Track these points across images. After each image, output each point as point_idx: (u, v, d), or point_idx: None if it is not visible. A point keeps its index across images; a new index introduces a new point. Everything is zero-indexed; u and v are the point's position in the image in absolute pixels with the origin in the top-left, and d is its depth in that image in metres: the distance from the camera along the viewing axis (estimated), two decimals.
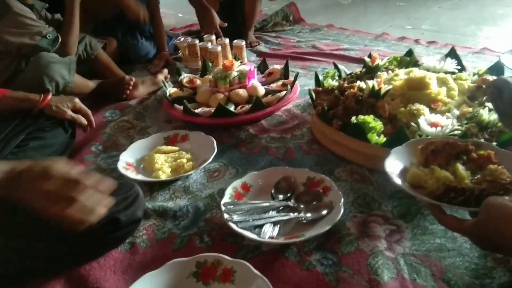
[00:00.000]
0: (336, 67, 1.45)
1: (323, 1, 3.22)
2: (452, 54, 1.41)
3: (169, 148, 1.17)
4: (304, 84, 1.58)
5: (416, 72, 1.20)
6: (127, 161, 1.12)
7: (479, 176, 0.78)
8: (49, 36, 1.36)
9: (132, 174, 1.07)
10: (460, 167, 0.80)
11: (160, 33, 2.00)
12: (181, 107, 1.36)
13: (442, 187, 0.74)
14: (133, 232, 0.88)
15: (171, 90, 1.51)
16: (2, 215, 0.74)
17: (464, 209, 0.70)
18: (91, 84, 1.54)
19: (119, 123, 1.39)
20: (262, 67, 1.67)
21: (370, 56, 1.43)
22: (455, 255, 0.77)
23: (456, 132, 0.98)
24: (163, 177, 1.05)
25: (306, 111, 1.39)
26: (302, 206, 0.89)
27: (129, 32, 1.95)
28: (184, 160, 1.11)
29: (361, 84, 1.23)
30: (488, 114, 1.02)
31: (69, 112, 1.19)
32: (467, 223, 0.66)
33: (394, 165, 0.82)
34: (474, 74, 1.29)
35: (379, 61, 1.38)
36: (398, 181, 0.77)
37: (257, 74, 1.59)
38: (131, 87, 1.57)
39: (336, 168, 1.07)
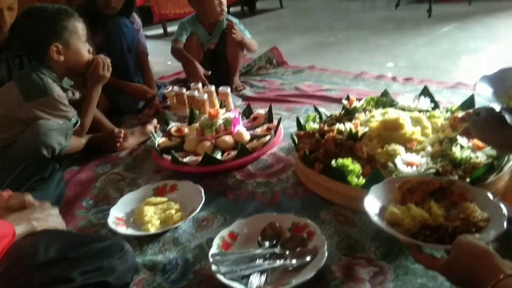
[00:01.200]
0: (316, 110, 1.52)
1: (305, 43, 3.36)
2: (425, 92, 1.48)
3: (158, 199, 1.20)
4: (288, 127, 1.63)
5: (390, 114, 1.26)
6: (117, 216, 1.15)
7: (452, 213, 0.82)
8: (73, 120, 1.49)
9: (122, 228, 1.09)
10: (435, 205, 0.84)
11: (150, 84, 2.08)
12: (169, 157, 1.40)
13: (418, 225, 0.78)
14: None
15: (159, 140, 1.55)
16: None
17: (439, 247, 0.74)
18: (83, 141, 1.59)
19: (109, 176, 1.43)
20: (247, 112, 1.73)
21: (348, 98, 1.51)
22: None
23: (430, 170, 1.03)
24: (152, 230, 1.08)
25: (291, 153, 1.44)
26: (287, 252, 0.92)
27: None
28: (173, 211, 1.14)
29: (340, 126, 1.29)
30: (460, 151, 1.08)
31: None
32: (441, 261, 0.69)
33: (373, 204, 0.86)
34: (447, 111, 1.36)
35: (356, 103, 1.45)
36: (376, 219, 0.81)
37: (242, 120, 1.65)
38: (121, 140, 1.61)
39: (320, 210, 1.10)
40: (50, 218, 0.95)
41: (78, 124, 1.53)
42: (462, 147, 1.10)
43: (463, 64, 2.27)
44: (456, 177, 1.00)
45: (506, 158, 1.06)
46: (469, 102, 1.39)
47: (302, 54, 2.93)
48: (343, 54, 2.84)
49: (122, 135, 1.62)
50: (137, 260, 0.97)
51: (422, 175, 0.97)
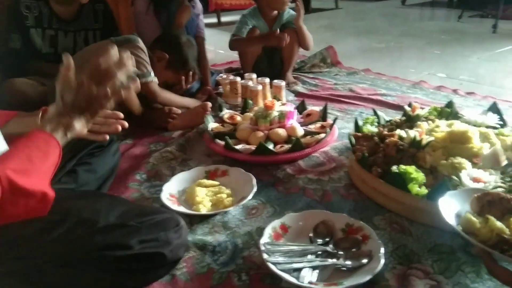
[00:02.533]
0: (375, 113, 1.48)
1: (360, 45, 3.29)
2: (494, 108, 1.41)
3: (210, 182, 1.21)
4: (341, 127, 1.60)
5: (457, 125, 1.20)
6: (170, 192, 1.16)
7: None
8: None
9: (174, 205, 1.11)
10: None
11: (205, 68, 2.09)
12: (222, 142, 1.41)
13: (496, 238, 0.73)
14: (173, 268, 0.90)
15: (212, 125, 1.57)
16: (55, 245, 0.78)
17: None
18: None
19: (162, 154, 1.45)
20: (300, 108, 1.71)
21: (410, 105, 1.45)
22: None
23: (499, 189, 0.98)
24: (203, 210, 1.09)
25: (343, 154, 1.41)
26: (341, 252, 0.90)
27: None
28: (224, 195, 1.14)
29: (401, 132, 1.24)
30: None
31: None
32: None
33: (447, 207, 0.82)
34: None
35: (419, 111, 1.40)
36: (452, 222, 0.77)
37: (296, 115, 1.63)
38: (173, 117, 1.64)
39: (374, 215, 1.07)
40: None
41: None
42: None
43: None
44: None
45: None
46: None
47: (355, 56, 2.86)
48: (397, 60, 2.76)
49: (174, 115, 1.64)
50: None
51: (502, 192, 0.91)
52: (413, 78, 2.27)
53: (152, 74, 1.56)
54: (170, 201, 1.12)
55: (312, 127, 1.54)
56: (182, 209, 1.10)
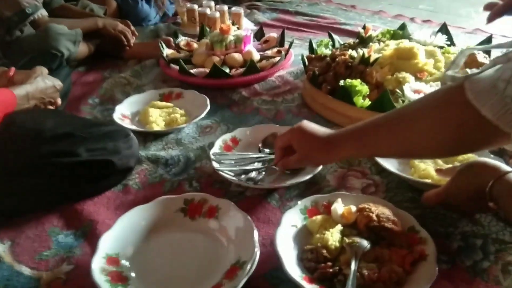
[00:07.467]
0: (330, 36, 1.49)
1: None
2: (443, 29, 1.44)
3: (164, 103, 1.21)
4: (299, 54, 1.60)
5: (405, 43, 1.24)
6: (122, 113, 1.16)
7: None
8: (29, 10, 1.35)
9: (127, 125, 1.11)
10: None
11: None
12: (177, 67, 1.39)
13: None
14: (125, 179, 0.93)
15: (168, 51, 1.53)
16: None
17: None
18: (91, 47, 1.56)
19: (116, 79, 1.43)
20: (259, 35, 1.69)
21: (364, 27, 1.47)
22: (425, 206, 0.83)
23: None
24: (156, 128, 1.10)
25: (299, 78, 1.43)
26: None
27: None
28: (178, 115, 1.15)
29: (353, 52, 1.27)
30: None
31: None
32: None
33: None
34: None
35: (372, 32, 1.42)
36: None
37: (254, 41, 1.62)
38: (129, 37, 1.59)
39: None
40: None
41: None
42: None
43: (484, 12, 2.18)
44: None
45: None
46: (487, 42, 1.36)
47: None
48: None
49: (130, 29, 1.60)
50: (140, 153, 1.01)
51: None
52: (374, 8, 2.26)
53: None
54: (122, 120, 1.12)
55: (269, 53, 1.54)
56: (134, 127, 1.11)
